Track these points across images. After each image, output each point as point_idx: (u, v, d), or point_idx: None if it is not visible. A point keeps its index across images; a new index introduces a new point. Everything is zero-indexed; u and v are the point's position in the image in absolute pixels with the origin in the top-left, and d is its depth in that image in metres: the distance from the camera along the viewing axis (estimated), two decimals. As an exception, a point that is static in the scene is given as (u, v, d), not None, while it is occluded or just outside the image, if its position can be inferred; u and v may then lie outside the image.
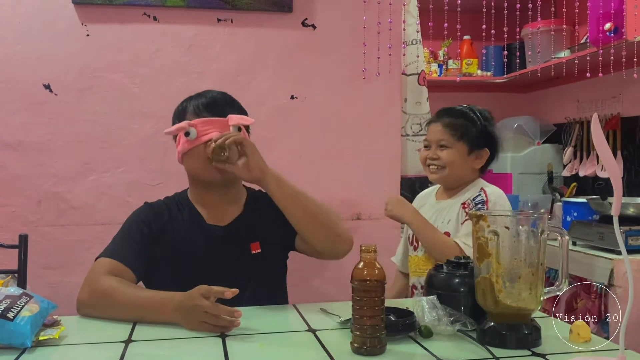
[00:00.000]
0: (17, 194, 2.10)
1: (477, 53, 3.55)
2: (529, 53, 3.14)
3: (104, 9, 2.13)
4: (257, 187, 1.76)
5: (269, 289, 1.63)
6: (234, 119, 1.55)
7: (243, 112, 1.66)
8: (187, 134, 1.53)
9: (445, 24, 1.87)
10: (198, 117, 1.56)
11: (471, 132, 1.79)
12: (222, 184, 1.60)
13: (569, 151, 3.24)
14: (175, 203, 1.66)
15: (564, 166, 3.27)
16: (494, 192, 1.78)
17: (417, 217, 1.79)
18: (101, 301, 1.40)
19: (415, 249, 1.87)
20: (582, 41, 2.87)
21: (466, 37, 3.48)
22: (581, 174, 3.12)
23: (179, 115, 1.62)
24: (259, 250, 1.59)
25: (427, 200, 1.95)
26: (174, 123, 1.63)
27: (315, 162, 2.30)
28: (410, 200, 1.98)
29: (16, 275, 1.75)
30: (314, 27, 2.28)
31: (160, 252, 1.58)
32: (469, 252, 1.55)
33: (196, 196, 1.65)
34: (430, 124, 1.86)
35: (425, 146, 1.86)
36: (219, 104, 1.60)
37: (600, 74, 2.01)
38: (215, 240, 1.59)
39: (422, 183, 3.17)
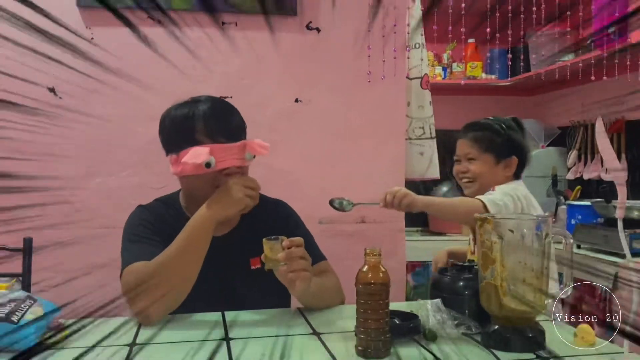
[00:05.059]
0: (22, 197, 2.11)
1: (482, 56, 3.54)
2: (534, 56, 3.13)
3: (108, 12, 2.14)
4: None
5: (271, 297, 1.59)
6: (254, 148, 1.48)
7: (242, 120, 1.59)
8: (207, 165, 1.43)
9: (450, 27, 1.87)
10: (212, 140, 1.46)
11: (496, 142, 1.88)
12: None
13: (573, 154, 3.23)
14: (171, 210, 1.61)
15: (569, 169, 3.26)
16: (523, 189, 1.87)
17: (425, 198, 1.78)
18: (154, 280, 1.34)
19: None
20: (586, 44, 2.86)
21: (470, 40, 3.47)
22: (585, 177, 3.12)
23: (185, 133, 1.48)
24: (259, 266, 1.49)
25: None
26: (169, 138, 1.53)
27: (320, 165, 2.30)
28: None
29: (20, 278, 1.75)
30: (318, 30, 2.29)
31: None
32: (494, 209, 1.66)
33: (189, 206, 1.59)
34: (458, 140, 1.96)
35: (456, 160, 1.96)
36: (231, 125, 1.52)
37: (604, 77, 2.00)
38: (209, 251, 1.47)
39: (426, 186, 3.18)
